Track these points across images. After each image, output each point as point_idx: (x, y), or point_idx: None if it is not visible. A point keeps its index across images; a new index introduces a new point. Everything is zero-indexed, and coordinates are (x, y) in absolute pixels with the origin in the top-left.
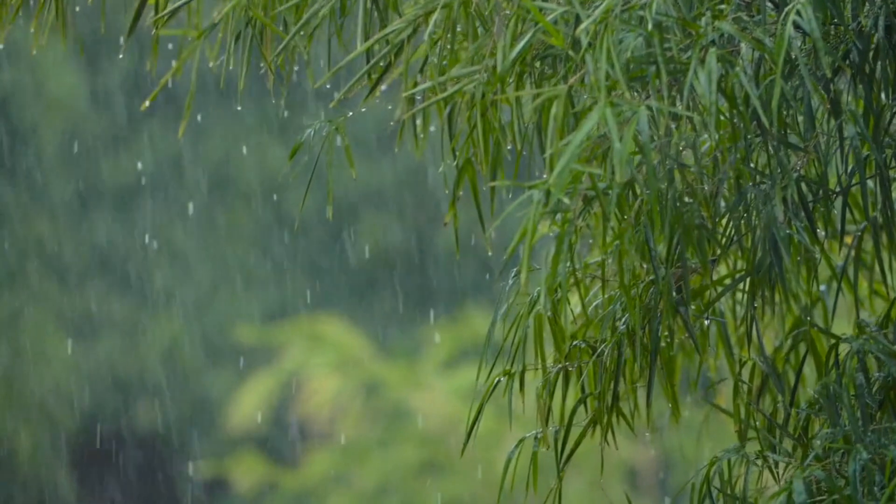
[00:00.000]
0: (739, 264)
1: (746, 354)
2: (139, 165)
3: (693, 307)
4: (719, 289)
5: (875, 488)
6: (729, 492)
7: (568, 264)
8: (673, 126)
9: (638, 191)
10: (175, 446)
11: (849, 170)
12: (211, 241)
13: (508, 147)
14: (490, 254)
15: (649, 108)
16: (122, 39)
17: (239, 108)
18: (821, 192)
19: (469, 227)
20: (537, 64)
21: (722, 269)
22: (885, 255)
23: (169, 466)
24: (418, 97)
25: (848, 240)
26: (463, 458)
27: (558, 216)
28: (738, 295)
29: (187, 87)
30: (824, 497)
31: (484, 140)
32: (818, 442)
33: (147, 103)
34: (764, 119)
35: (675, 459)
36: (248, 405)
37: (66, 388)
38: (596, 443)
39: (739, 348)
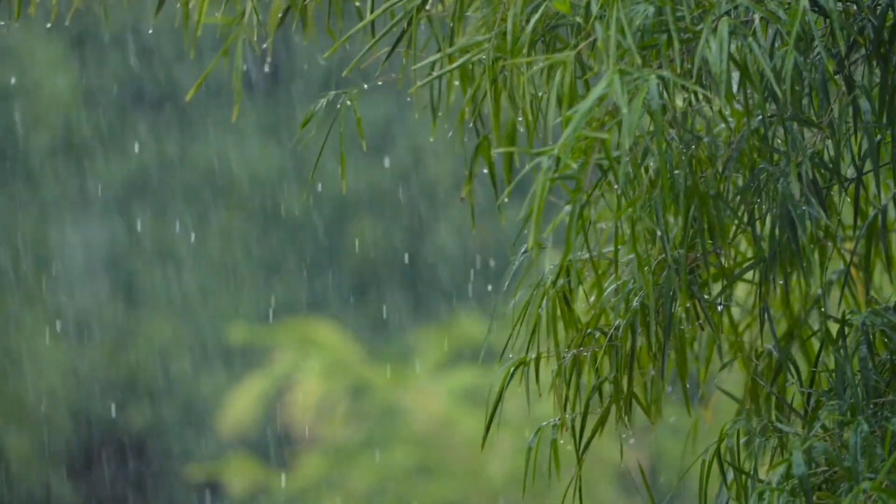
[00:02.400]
0: (744, 256)
1: (756, 341)
2: (132, 166)
3: (707, 296)
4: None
5: (877, 461)
6: (737, 465)
7: (582, 255)
8: (685, 96)
9: (652, 163)
10: (167, 449)
11: (862, 153)
12: (204, 242)
13: (520, 119)
14: (505, 222)
15: (660, 76)
16: (112, 38)
17: (233, 110)
18: (834, 178)
19: (464, 229)
20: (548, 35)
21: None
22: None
23: (161, 469)
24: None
25: (848, 245)
26: (454, 461)
27: (570, 183)
28: (742, 291)
29: (183, 88)
30: (827, 469)
31: (494, 107)
32: (824, 413)
33: (190, 95)
34: (777, 89)
35: (666, 462)
36: (240, 408)
37: (59, 390)
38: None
39: (743, 338)
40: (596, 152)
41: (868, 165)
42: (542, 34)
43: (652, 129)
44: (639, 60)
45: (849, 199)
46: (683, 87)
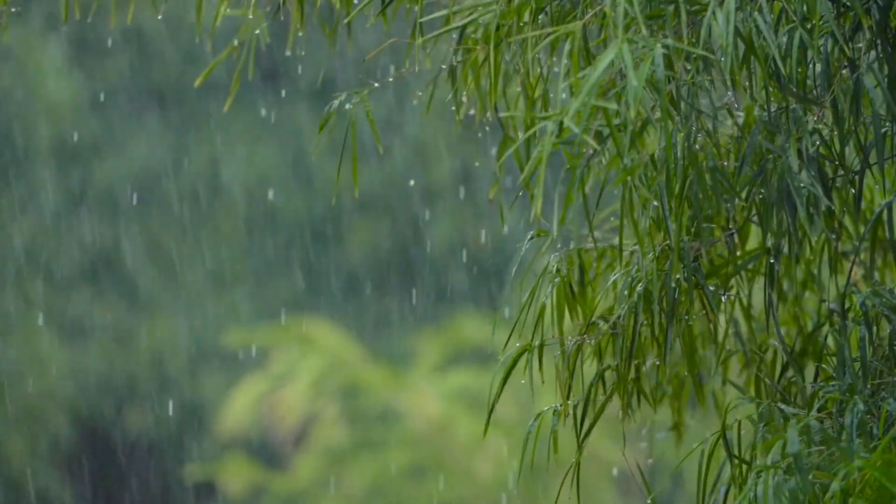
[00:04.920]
0: (749, 253)
1: (763, 338)
2: (130, 169)
3: (712, 288)
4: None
5: (874, 441)
6: (738, 455)
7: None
8: (688, 67)
9: (652, 132)
10: (165, 450)
11: (867, 143)
12: (201, 244)
13: (518, 89)
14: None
15: (665, 46)
16: (112, 42)
17: (227, 112)
18: (839, 170)
19: (461, 233)
20: (553, 7)
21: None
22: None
23: (159, 470)
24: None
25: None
26: (449, 461)
27: (570, 149)
28: (757, 302)
29: (180, 92)
30: (825, 449)
31: (494, 73)
32: (822, 394)
33: (199, 81)
34: (781, 66)
35: (662, 465)
36: (238, 409)
37: (58, 393)
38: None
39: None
40: (597, 119)
41: (871, 158)
42: (548, 3)
43: (654, 103)
44: (644, 30)
45: (853, 190)
46: (687, 59)
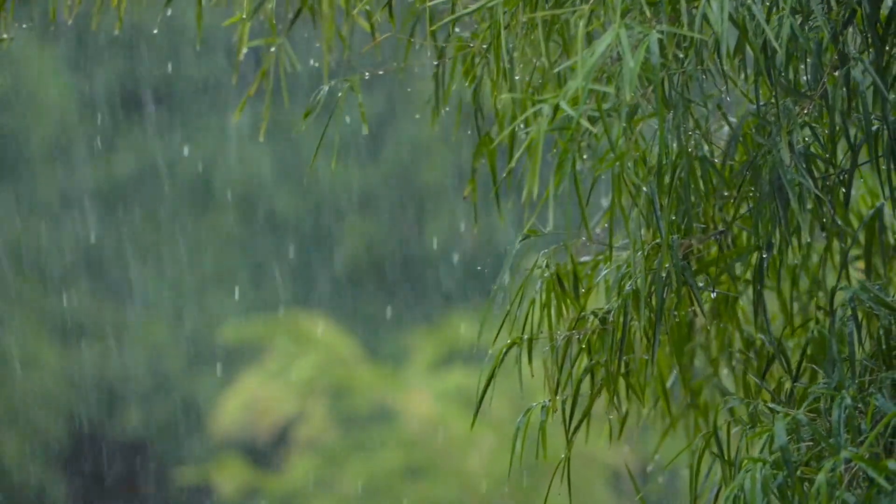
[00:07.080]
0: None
1: (753, 332)
2: (124, 169)
3: (701, 285)
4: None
5: (861, 436)
6: (727, 456)
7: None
8: (680, 56)
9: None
10: (159, 451)
11: (857, 143)
12: (196, 244)
13: (517, 78)
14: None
15: (661, 32)
16: (106, 41)
17: (223, 112)
18: (829, 169)
19: (456, 234)
20: None
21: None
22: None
23: (153, 471)
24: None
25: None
26: (443, 460)
27: (562, 135)
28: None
29: (176, 92)
30: (813, 445)
31: (496, 58)
32: (811, 389)
33: (237, 116)
34: (776, 46)
35: (657, 465)
36: (232, 409)
37: (51, 393)
38: (578, 447)
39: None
40: (589, 103)
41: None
42: None
43: (643, 91)
44: (648, 13)
45: (843, 189)
46: (678, 47)
